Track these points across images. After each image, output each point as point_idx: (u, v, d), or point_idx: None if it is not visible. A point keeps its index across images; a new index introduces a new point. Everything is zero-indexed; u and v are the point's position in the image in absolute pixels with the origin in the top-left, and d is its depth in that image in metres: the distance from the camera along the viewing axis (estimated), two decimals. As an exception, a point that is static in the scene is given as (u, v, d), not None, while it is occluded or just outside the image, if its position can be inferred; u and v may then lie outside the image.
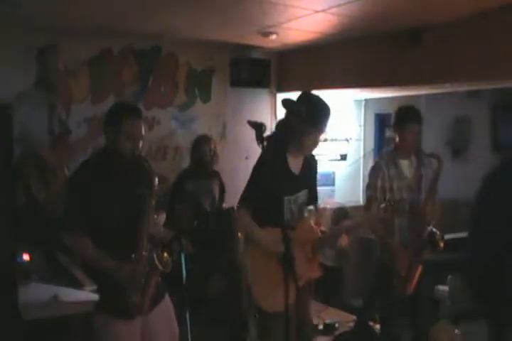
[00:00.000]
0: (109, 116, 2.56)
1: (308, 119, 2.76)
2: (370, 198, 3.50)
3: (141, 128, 2.53)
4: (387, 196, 3.43)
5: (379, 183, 3.44)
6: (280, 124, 2.96)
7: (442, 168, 3.37)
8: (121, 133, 2.47)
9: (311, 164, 3.02)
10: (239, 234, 4.09)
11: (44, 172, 3.70)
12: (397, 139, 3.50)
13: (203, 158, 4.53)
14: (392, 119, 3.54)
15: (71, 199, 2.54)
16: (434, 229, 3.34)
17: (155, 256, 2.46)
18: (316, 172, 3.11)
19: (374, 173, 3.51)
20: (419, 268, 3.37)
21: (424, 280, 3.46)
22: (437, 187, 3.43)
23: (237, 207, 2.87)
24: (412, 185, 3.45)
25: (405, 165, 3.50)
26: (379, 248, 3.55)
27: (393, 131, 3.54)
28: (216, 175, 4.70)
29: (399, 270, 3.35)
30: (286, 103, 2.86)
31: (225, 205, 4.68)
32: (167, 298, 2.70)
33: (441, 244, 3.30)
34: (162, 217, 2.78)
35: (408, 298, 3.40)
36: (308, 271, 2.82)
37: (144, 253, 2.44)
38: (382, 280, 3.52)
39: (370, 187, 3.50)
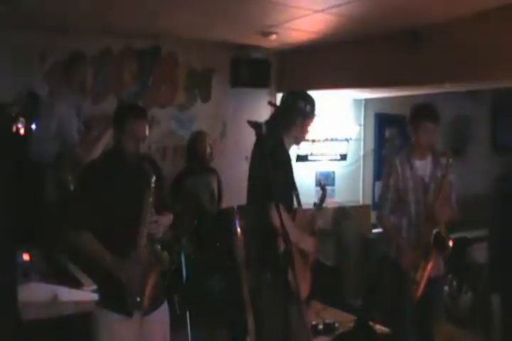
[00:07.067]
0: (114, 117, 2.61)
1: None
2: (381, 197, 3.46)
3: (145, 129, 2.56)
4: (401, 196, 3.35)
5: (391, 182, 3.37)
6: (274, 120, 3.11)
7: (451, 167, 3.28)
8: (125, 134, 2.53)
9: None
10: (238, 233, 4.08)
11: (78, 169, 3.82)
12: (413, 138, 3.40)
13: (198, 152, 4.54)
14: (408, 117, 3.44)
15: (75, 196, 2.61)
16: (443, 230, 3.22)
17: (154, 253, 2.49)
18: None
19: (387, 172, 3.44)
20: (428, 270, 3.24)
21: (436, 282, 3.37)
22: (450, 186, 3.34)
23: (271, 207, 2.59)
24: (427, 185, 3.34)
25: (421, 165, 3.39)
26: (387, 245, 3.46)
27: (409, 130, 3.43)
28: (214, 172, 4.71)
29: (406, 271, 3.25)
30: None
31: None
32: (165, 303, 2.73)
33: (449, 246, 3.19)
34: (165, 218, 2.74)
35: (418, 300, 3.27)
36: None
37: (142, 251, 2.47)
38: (388, 281, 3.45)
39: (383, 186, 3.43)
